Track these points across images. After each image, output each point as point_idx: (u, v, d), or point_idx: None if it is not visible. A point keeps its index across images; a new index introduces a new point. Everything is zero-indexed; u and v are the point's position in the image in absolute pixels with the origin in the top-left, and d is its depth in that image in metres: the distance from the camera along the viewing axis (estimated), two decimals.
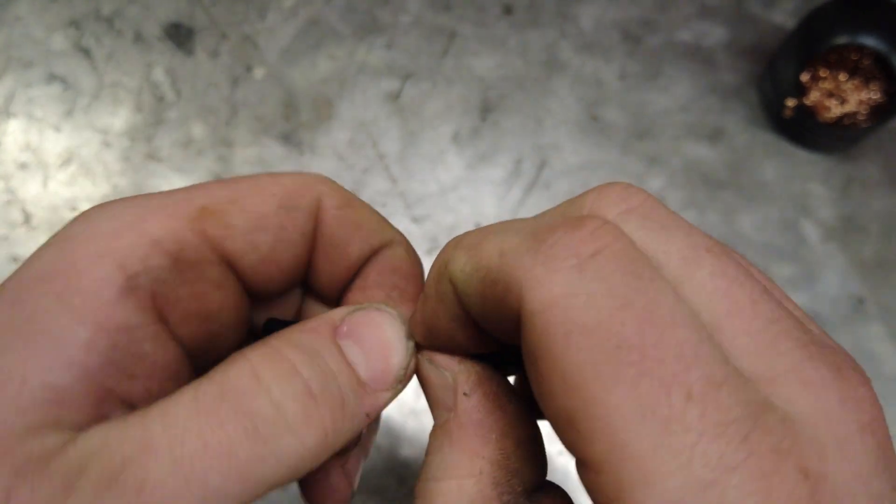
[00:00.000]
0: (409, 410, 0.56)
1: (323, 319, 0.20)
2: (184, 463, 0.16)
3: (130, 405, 0.18)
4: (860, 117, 0.57)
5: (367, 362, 0.20)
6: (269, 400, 0.17)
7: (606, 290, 0.14)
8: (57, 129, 0.63)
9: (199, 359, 0.21)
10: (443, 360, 0.21)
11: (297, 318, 0.25)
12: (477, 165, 0.60)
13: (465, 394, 0.20)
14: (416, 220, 0.58)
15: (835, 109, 0.57)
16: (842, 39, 0.57)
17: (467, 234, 0.19)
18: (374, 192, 0.60)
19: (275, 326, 0.22)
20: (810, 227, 0.58)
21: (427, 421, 0.56)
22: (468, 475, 0.19)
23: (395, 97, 0.62)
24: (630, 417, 0.13)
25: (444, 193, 0.60)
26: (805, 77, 0.58)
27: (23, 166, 0.62)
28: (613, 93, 0.62)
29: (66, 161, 0.62)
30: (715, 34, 0.62)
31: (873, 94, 0.57)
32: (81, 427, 0.17)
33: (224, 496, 0.16)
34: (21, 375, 0.16)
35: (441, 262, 0.19)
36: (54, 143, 0.62)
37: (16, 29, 0.65)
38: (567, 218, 0.16)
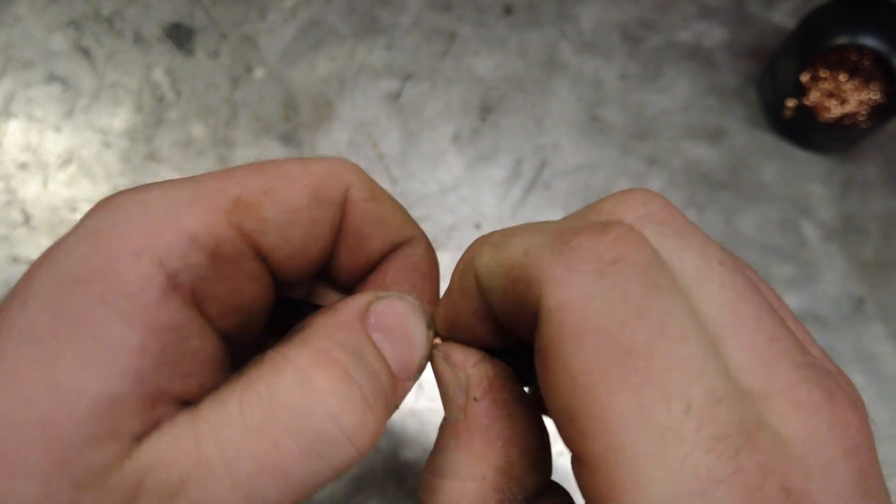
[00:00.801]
0: (409, 410, 0.56)
1: (350, 308, 0.20)
2: (242, 483, 0.16)
3: (184, 402, 0.18)
4: (860, 118, 0.57)
5: (395, 354, 0.20)
6: (327, 413, 0.17)
7: (623, 297, 0.15)
8: (57, 129, 0.63)
9: (232, 343, 0.21)
10: (458, 358, 0.21)
11: (307, 298, 0.25)
12: (477, 166, 0.60)
13: (475, 398, 0.20)
14: (416, 220, 0.58)
15: (835, 110, 0.57)
16: (842, 40, 0.57)
17: (495, 232, 0.19)
18: None
19: (288, 307, 0.23)
20: (810, 228, 0.58)
21: (427, 421, 0.56)
22: (471, 478, 0.19)
23: (395, 97, 0.62)
24: (629, 422, 0.14)
25: (444, 194, 0.60)
26: (805, 77, 0.58)
27: (23, 166, 0.62)
28: (613, 93, 0.62)
29: (66, 161, 0.62)
30: (715, 34, 0.62)
31: (873, 95, 0.57)
32: (137, 434, 0.16)
33: None
34: (75, 387, 0.16)
35: (468, 258, 0.20)
36: (54, 144, 0.62)
37: (16, 29, 0.65)
38: (591, 222, 0.17)
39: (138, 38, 0.64)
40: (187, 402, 0.18)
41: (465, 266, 0.20)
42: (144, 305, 0.17)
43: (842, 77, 0.58)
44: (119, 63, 0.64)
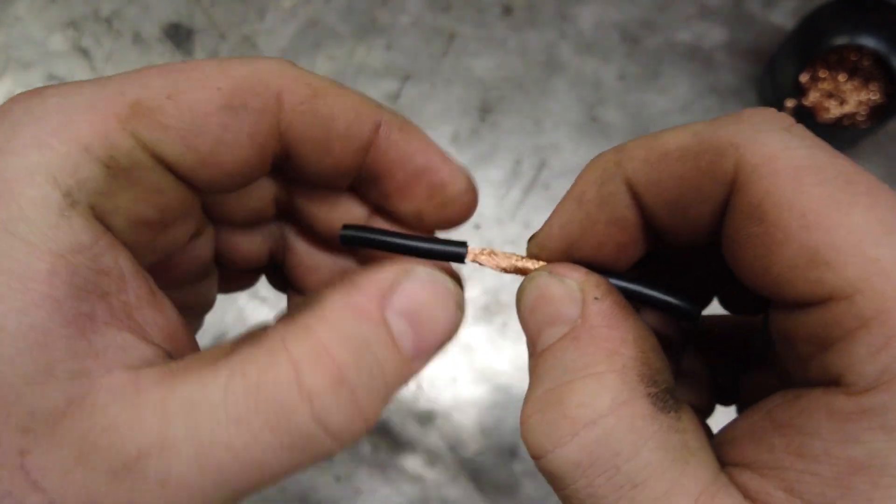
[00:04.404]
0: (409, 412, 0.56)
1: (372, 287, 0.18)
2: (210, 469, 0.15)
3: (116, 326, 0.17)
4: (860, 118, 0.57)
5: (413, 338, 0.18)
6: (312, 414, 0.16)
7: (819, 144, 0.16)
8: None
9: (150, 254, 0.20)
10: (566, 270, 0.20)
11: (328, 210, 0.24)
12: (476, 166, 0.60)
13: (595, 298, 0.19)
14: None
15: (834, 110, 0.57)
16: (841, 40, 0.57)
17: (619, 146, 0.20)
18: None
19: (352, 237, 0.22)
20: None
21: (427, 423, 0.56)
22: (609, 370, 0.18)
23: (394, 97, 0.62)
24: (877, 233, 0.15)
25: None
26: (804, 78, 0.58)
27: None
28: (613, 93, 0.62)
29: None
30: (715, 34, 0.62)
31: (873, 95, 0.57)
32: (76, 372, 0.15)
33: (247, 493, 0.16)
34: None
35: (607, 165, 0.20)
36: None
37: (15, 29, 0.65)
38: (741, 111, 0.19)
39: (137, 39, 0.64)
40: (135, 331, 0.17)
41: (606, 174, 0.20)
42: (44, 228, 0.16)
43: (841, 77, 0.57)
44: (118, 63, 0.64)
